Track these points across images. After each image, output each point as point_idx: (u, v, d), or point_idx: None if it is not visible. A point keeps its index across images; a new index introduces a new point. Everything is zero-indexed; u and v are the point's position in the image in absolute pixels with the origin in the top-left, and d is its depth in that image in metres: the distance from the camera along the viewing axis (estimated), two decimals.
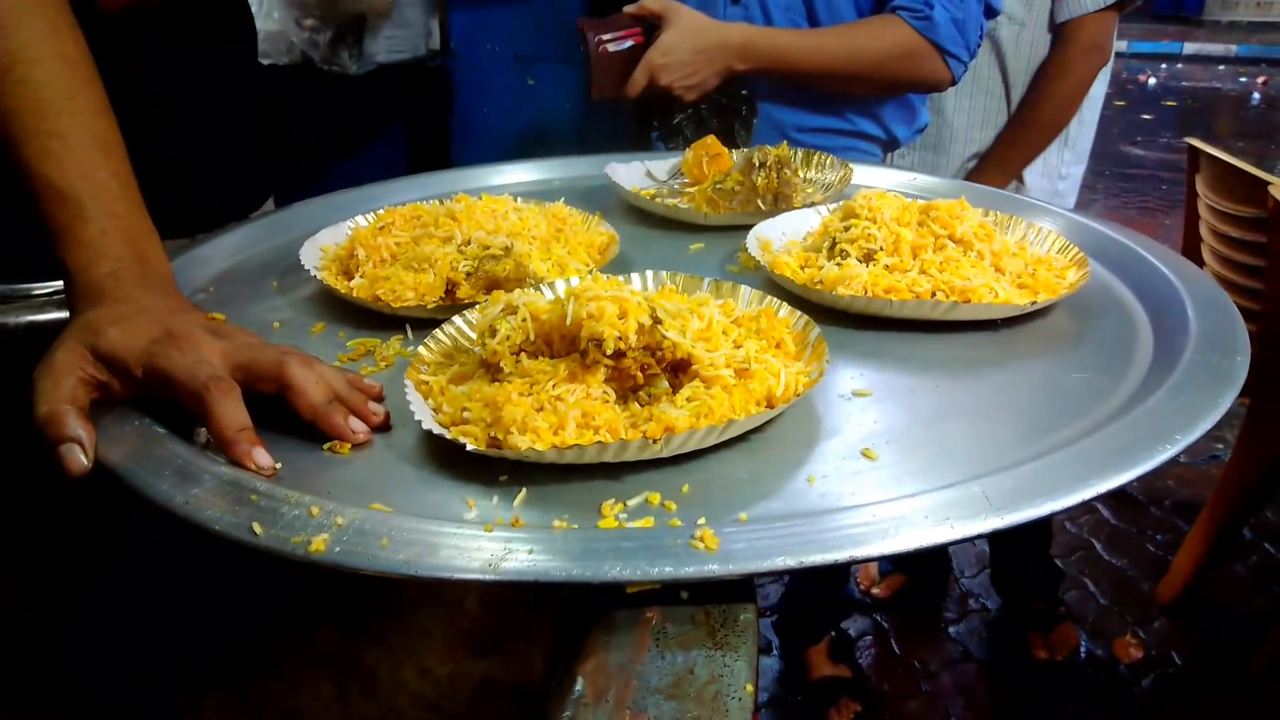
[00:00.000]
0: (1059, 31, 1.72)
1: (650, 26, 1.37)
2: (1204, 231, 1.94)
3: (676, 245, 1.09)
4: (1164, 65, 9.70)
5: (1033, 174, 1.84)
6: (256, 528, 0.55)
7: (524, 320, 0.69)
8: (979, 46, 1.43)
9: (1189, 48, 10.15)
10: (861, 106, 1.49)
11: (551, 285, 0.83)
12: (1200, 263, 1.98)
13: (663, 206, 1.13)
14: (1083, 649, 2.00)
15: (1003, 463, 0.63)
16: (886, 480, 0.63)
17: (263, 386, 0.68)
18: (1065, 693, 1.92)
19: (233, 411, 0.65)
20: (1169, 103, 7.98)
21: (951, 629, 2.11)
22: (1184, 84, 8.89)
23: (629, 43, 1.38)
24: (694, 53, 1.34)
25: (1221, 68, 9.62)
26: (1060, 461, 0.61)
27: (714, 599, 0.54)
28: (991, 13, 1.44)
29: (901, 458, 0.65)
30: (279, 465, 0.64)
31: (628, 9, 1.38)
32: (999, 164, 1.80)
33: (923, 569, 2.22)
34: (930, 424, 0.70)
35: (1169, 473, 2.34)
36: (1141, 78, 8.93)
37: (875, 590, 2.21)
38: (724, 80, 1.38)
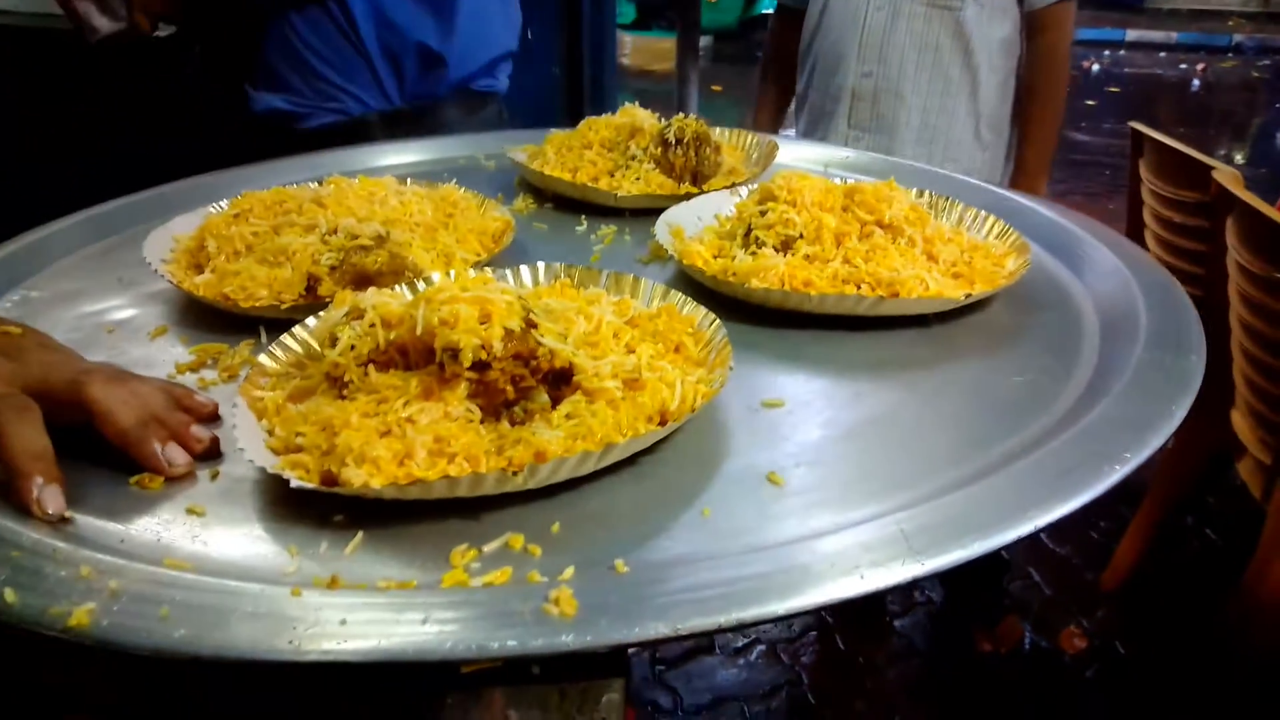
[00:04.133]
0: (1036, 19, 1.65)
1: None
2: (1147, 216, 1.89)
3: (586, 231, 0.99)
4: (1107, 52, 9.75)
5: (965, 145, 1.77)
6: (9, 595, 0.44)
7: (372, 326, 0.59)
8: None
9: (1131, 35, 10.24)
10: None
11: (427, 280, 0.73)
12: (1143, 248, 1.94)
13: (571, 185, 1.03)
14: (1027, 640, 1.96)
15: (928, 489, 0.54)
16: (793, 511, 0.53)
17: (64, 414, 0.57)
18: (1011, 685, 1.88)
19: (28, 434, 0.53)
20: (1112, 89, 8.01)
21: (897, 623, 2.05)
22: (1126, 70, 8.94)
23: None
24: None
25: (1163, 55, 9.71)
26: (993, 489, 0.52)
27: (571, 675, 0.44)
28: None
29: (812, 483, 0.56)
30: (69, 512, 0.52)
31: None
32: (1032, 168, 1.75)
33: None
34: (848, 440, 0.61)
35: None
36: (1085, 64, 8.97)
37: None
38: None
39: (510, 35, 1.48)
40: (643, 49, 7.91)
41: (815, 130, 1.83)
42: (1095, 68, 8.89)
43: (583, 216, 1.02)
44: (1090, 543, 2.24)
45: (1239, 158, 5.78)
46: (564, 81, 2.59)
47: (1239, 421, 1.56)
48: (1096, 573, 2.11)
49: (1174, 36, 10.13)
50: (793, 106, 1.99)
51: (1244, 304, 1.43)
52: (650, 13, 8.91)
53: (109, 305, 0.81)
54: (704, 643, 1.98)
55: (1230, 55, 9.61)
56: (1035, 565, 2.20)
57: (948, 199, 0.91)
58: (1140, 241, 1.93)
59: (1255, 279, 1.37)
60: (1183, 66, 9.06)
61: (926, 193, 0.91)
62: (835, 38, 1.72)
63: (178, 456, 0.57)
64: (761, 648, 2.00)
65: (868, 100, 1.72)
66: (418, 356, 0.59)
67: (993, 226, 0.87)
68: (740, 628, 0.43)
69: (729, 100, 6.95)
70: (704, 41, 7.66)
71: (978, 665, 1.92)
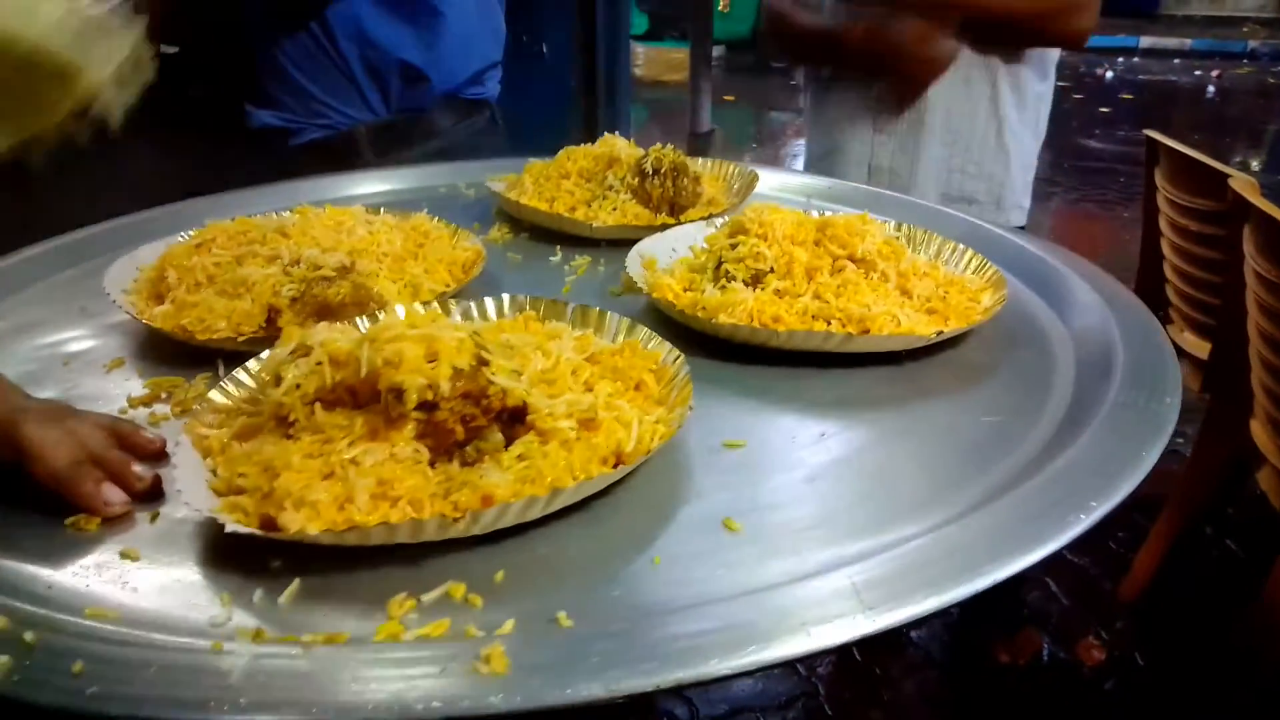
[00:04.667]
0: None
1: None
2: (1163, 224, 1.87)
3: (560, 261, 0.98)
4: (1120, 59, 9.73)
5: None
6: None
7: (319, 364, 0.57)
8: None
9: (1145, 41, 10.24)
10: None
11: (391, 312, 0.71)
12: (1159, 257, 1.92)
13: (546, 215, 1.01)
14: (1045, 651, 1.93)
15: (888, 537, 0.52)
16: (746, 561, 0.52)
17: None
18: (1029, 696, 1.85)
19: None
20: (1126, 96, 7.99)
21: (913, 633, 2.02)
22: (1140, 77, 8.90)
23: None
24: None
25: (1177, 61, 9.67)
26: (952, 540, 0.50)
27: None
28: None
29: (768, 530, 0.54)
30: None
31: None
32: None
33: None
34: (809, 483, 0.59)
35: None
36: (1099, 71, 8.97)
37: None
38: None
39: (494, 46, 1.49)
40: (655, 60, 7.87)
41: (835, 132, 1.78)
42: (1109, 75, 8.87)
43: (558, 247, 1.00)
44: (1108, 553, 2.21)
45: (1255, 164, 5.72)
46: (579, 94, 2.57)
47: (1258, 431, 1.53)
48: (1115, 583, 2.09)
49: (1188, 43, 10.11)
50: (803, 104, 1.95)
51: (1262, 312, 1.40)
52: (663, 23, 8.90)
53: (69, 336, 0.79)
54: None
55: (1245, 62, 9.50)
56: (1052, 575, 2.17)
57: (926, 231, 0.90)
58: (1156, 250, 1.91)
59: (1273, 287, 1.34)
60: (1197, 73, 9.03)
61: (904, 225, 0.89)
62: None
63: (114, 496, 0.56)
64: None
65: None
66: (366, 396, 0.57)
67: (971, 260, 0.86)
68: (679, 688, 0.41)
69: (742, 110, 6.93)
70: (717, 51, 7.63)
71: (995, 677, 1.90)
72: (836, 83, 1.72)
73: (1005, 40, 1.52)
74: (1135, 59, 9.84)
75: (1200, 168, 1.64)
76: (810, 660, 1.95)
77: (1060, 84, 1.82)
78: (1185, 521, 1.91)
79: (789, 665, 1.93)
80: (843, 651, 1.96)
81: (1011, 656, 1.91)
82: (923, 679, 1.91)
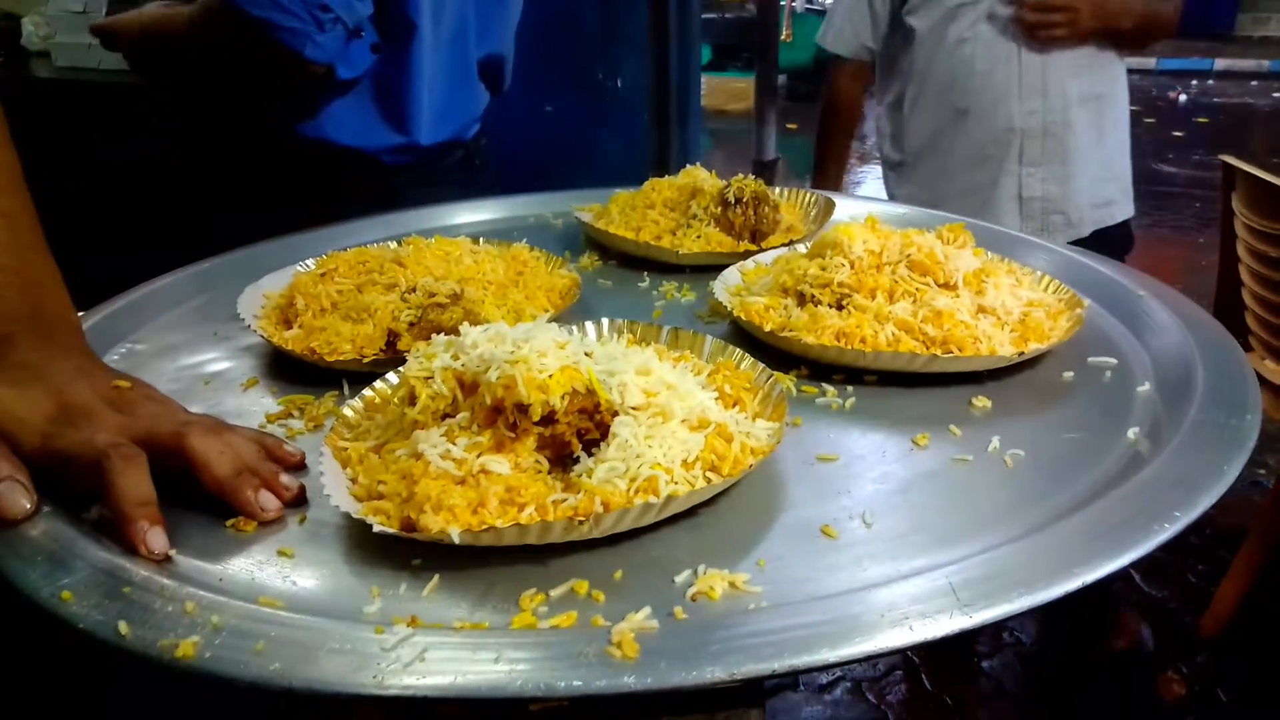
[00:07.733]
0: None
1: None
2: (1241, 250, 1.86)
3: (648, 287, 1.03)
4: (1194, 82, 9.52)
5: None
6: (123, 627, 0.49)
7: (447, 386, 0.63)
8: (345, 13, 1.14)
9: (1220, 64, 10.01)
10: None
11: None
12: (1238, 283, 1.91)
13: (634, 244, 1.07)
14: (1148, 639, 1.93)
15: (978, 544, 0.56)
16: (845, 564, 0.56)
17: (167, 463, 0.62)
18: None
19: (134, 483, 0.59)
20: (1200, 120, 7.81)
21: (985, 663, 2.02)
22: (1215, 100, 8.70)
23: None
24: None
25: (1254, 84, 9.42)
26: (1041, 545, 0.54)
27: (708, 706, 0.47)
28: None
29: (865, 536, 0.58)
30: (173, 551, 0.57)
31: None
32: None
33: None
34: (900, 494, 0.63)
35: None
36: (1171, 95, 8.78)
37: None
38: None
39: (475, 106, 1.47)
40: (718, 89, 7.92)
41: (965, 174, 1.80)
42: (1183, 98, 8.66)
43: (645, 273, 1.06)
44: (1188, 586, 2.17)
45: None
46: (652, 125, 2.62)
47: None
48: (1195, 616, 2.05)
49: (1266, 64, 9.84)
50: (892, 157, 1.97)
51: None
52: (725, 54, 9.03)
53: (206, 358, 0.87)
54: (788, 680, 1.98)
55: None
56: (1132, 609, 2.15)
57: (1002, 259, 0.93)
58: (1234, 276, 1.90)
59: None
60: (1275, 95, 8.80)
61: (983, 249, 0.93)
62: (982, 82, 1.73)
63: (269, 503, 0.62)
64: (847, 685, 1.98)
65: (1037, 136, 1.72)
66: (490, 411, 0.63)
67: (1049, 284, 0.88)
68: (793, 673, 0.45)
69: (805, 138, 6.97)
70: (779, 80, 7.69)
71: (1070, 709, 1.88)
72: (968, 120, 1.75)
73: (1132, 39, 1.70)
74: (1210, 81, 9.61)
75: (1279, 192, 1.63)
76: (880, 687, 1.96)
77: (1131, 108, 1.84)
78: (1268, 554, 1.87)
79: (858, 691, 1.95)
80: (914, 679, 1.97)
81: (1116, 645, 1.93)
82: (995, 709, 1.91)
